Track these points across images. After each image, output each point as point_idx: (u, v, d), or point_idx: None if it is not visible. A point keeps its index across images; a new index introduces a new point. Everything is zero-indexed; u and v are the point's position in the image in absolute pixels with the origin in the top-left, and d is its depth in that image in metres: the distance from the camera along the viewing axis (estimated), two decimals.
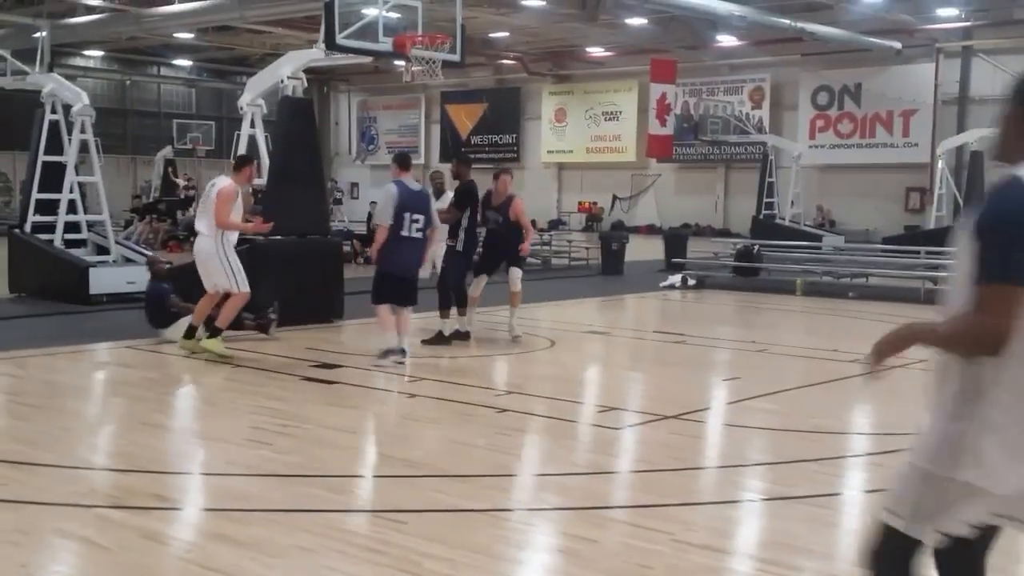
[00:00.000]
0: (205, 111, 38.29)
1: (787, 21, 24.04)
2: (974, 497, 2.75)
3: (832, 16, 25.13)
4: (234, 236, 9.97)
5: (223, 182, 9.94)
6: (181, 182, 30.60)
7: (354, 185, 41.18)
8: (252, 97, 12.66)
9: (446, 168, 13.54)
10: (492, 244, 11.24)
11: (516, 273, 11.16)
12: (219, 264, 9.76)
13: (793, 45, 27.56)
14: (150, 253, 15.85)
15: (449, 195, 13.33)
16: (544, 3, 24.57)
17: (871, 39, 26.03)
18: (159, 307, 10.80)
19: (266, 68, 12.91)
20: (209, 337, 9.74)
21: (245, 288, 9.77)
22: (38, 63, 16.39)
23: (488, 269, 11.32)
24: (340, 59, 13.78)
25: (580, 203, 34.30)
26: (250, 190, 11.92)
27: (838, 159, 29.41)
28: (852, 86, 29.26)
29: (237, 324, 10.31)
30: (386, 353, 9.49)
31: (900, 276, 17.96)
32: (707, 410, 8.13)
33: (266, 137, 13.14)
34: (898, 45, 26.72)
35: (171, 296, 10.78)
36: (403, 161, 10.16)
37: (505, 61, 34.77)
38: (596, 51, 32.45)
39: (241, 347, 10.56)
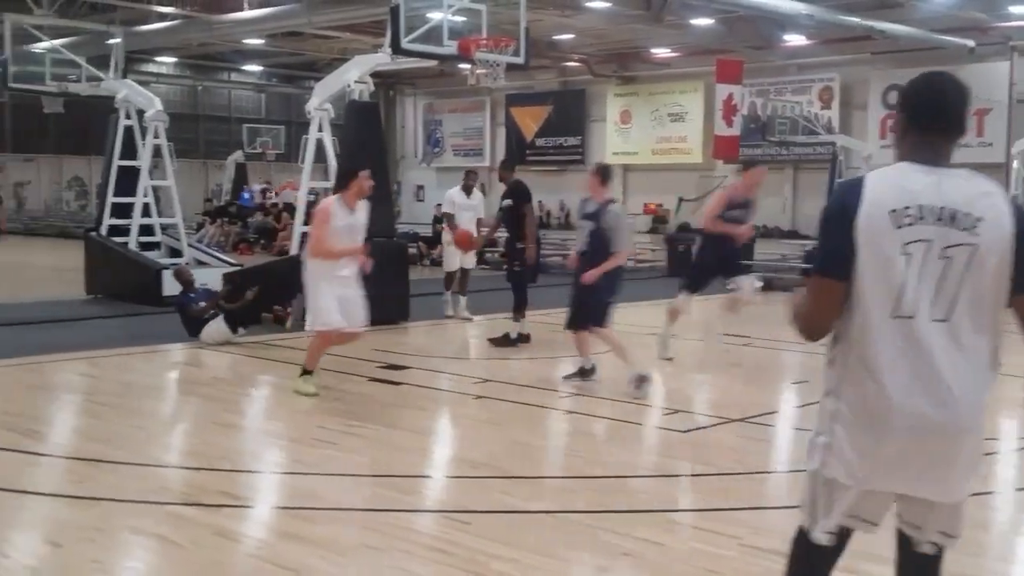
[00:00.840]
0: (274, 115, 38.84)
1: (857, 19, 23.63)
2: (837, 491, 2.93)
3: (903, 14, 24.64)
4: (336, 265, 8.11)
5: (324, 200, 8.80)
6: (257, 187, 31.09)
7: (420, 188, 41.39)
8: (320, 101, 12.81)
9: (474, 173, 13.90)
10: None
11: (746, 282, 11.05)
12: (308, 292, 8.31)
13: (863, 44, 27.06)
14: (221, 255, 16.15)
15: (480, 195, 13.47)
16: (609, 4, 24.46)
17: (943, 37, 25.48)
18: (184, 316, 11.10)
19: (333, 72, 13.06)
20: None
21: (317, 327, 8.21)
22: (112, 69, 16.75)
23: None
24: (406, 63, 13.90)
25: (646, 205, 34.07)
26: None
27: None
28: None
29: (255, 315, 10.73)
30: (582, 373, 8.96)
31: None
32: (774, 413, 8.04)
33: (334, 141, 13.29)
34: (971, 43, 26.10)
35: (192, 304, 11.05)
36: (606, 174, 8.99)
37: (570, 63, 34.70)
38: (661, 52, 32.21)
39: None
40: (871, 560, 4.52)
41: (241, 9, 23.86)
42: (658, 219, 33.98)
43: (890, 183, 2.93)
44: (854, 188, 2.93)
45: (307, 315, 8.33)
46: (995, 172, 26.49)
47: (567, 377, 8.98)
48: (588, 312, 8.69)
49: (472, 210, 13.14)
